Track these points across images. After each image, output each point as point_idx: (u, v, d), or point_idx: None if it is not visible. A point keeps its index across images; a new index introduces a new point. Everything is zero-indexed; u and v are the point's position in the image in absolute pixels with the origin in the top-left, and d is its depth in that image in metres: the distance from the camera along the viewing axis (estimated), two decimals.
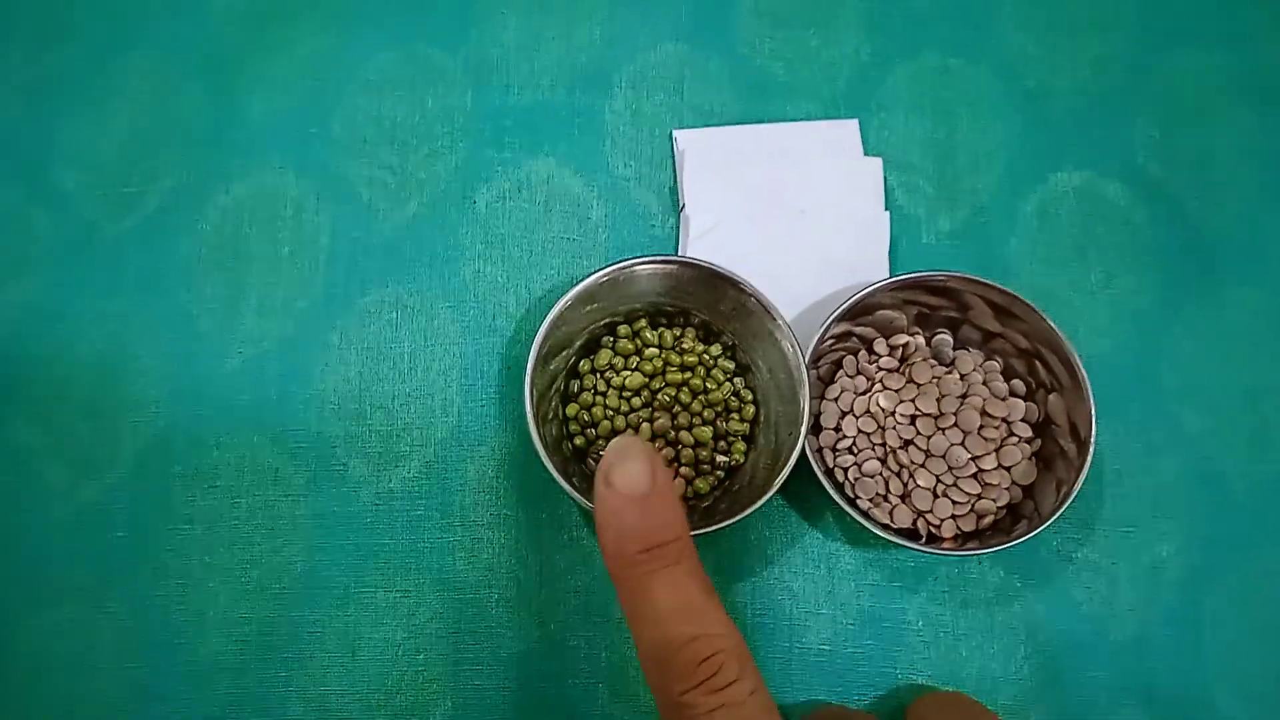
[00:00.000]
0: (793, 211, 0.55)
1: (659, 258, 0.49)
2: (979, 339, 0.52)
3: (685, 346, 0.51)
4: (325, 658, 0.48)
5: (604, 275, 0.48)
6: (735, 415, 0.51)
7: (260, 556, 0.50)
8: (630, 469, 0.36)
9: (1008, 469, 0.49)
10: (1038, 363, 0.50)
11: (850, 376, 0.52)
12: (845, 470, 0.50)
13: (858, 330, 0.52)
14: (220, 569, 0.49)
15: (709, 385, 0.51)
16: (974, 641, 0.50)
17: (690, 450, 0.50)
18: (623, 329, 0.51)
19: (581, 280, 0.48)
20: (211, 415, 0.51)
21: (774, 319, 0.48)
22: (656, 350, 0.51)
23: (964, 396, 0.50)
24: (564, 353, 0.50)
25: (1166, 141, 0.57)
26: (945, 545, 0.48)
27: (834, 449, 0.50)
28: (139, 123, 0.56)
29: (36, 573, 0.49)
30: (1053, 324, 0.49)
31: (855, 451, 0.50)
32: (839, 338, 0.51)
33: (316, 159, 0.55)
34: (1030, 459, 0.50)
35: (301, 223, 0.54)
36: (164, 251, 0.54)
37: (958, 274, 0.50)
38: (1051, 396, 0.50)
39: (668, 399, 0.50)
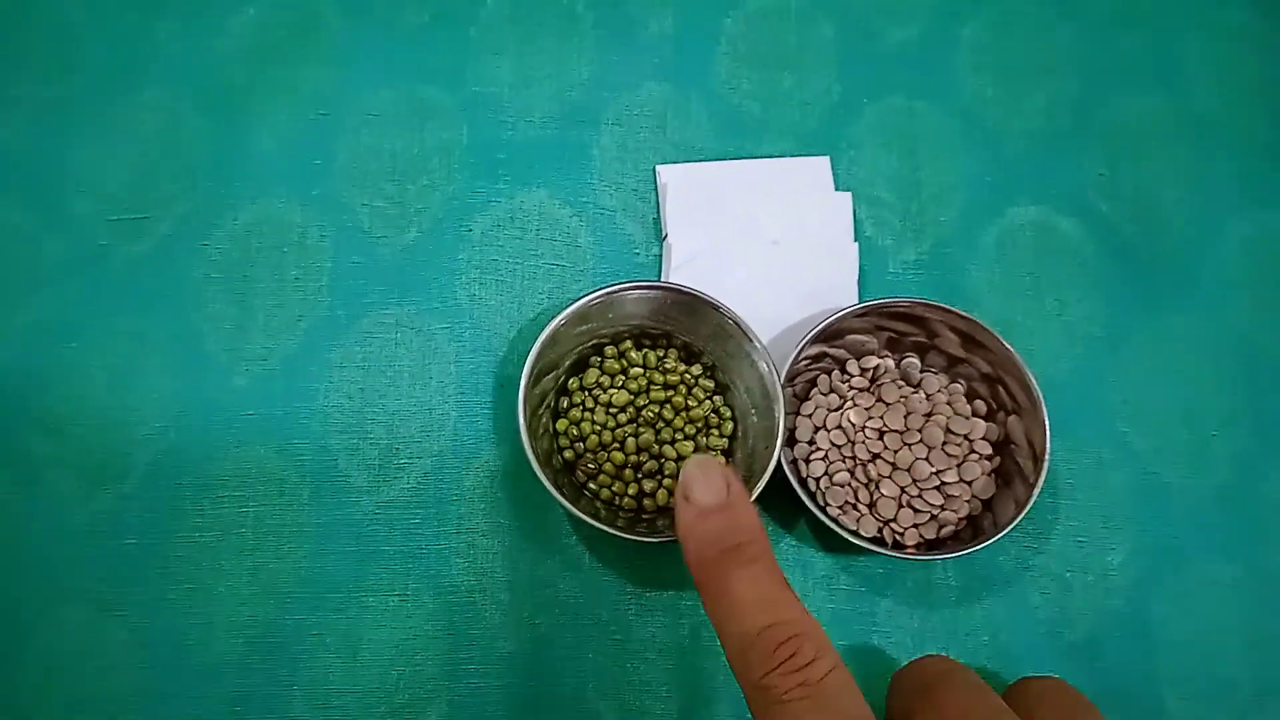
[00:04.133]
0: (768, 242, 0.59)
1: (646, 283, 0.52)
2: (945, 364, 0.56)
3: (668, 366, 0.54)
4: (327, 658, 0.51)
5: (595, 298, 0.52)
6: (715, 431, 0.54)
7: (265, 562, 0.52)
8: (709, 483, 0.39)
9: (968, 483, 0.53)
10: (1000, 387, 0.54)
11: (824, 394, 0.55)
12: (817, 480, 0.53)
13: (832, 352, 0.56)
14: (227, 574, 0.52)
15: (690, 403, 0.54)
16: (938, 643, 0.53)
17: (673, 464, 0.53)
18: (609, 349, 0.55)
19: (574, 302, 0.51)
20: (219, 429, 0.54)
21: (750, 340, 0.52)
22: (641, 370, 0.54)
23: (929, 415, 0.54)
24: (554, 372, 0.54)
25: (1112, 178, 0.62)
26: (909, 552, 0.51)
27: (807, 460, 0.54)
28: (149, 152, 0.59)
29: (50, 578, 0.51)
30: (1012, 350, 0.52)
31: (827, 463, 0.53)
32: (814, 359, 0.55)
33: (320, 188, 0.59)
34: (990, 475, 0.53)
35: (306, 248, 0.57)
36: (174, 274, 0.57)
37: (925, 301, 0.53)
38: (1011, 419, 0.53)
39: (651, 415, 0.53)
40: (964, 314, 0.53)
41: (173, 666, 0.50)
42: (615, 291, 0.52)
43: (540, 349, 0.51)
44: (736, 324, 0.52)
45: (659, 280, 0.57)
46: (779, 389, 0.50)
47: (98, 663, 0.50)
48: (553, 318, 0.51)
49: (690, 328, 0.54)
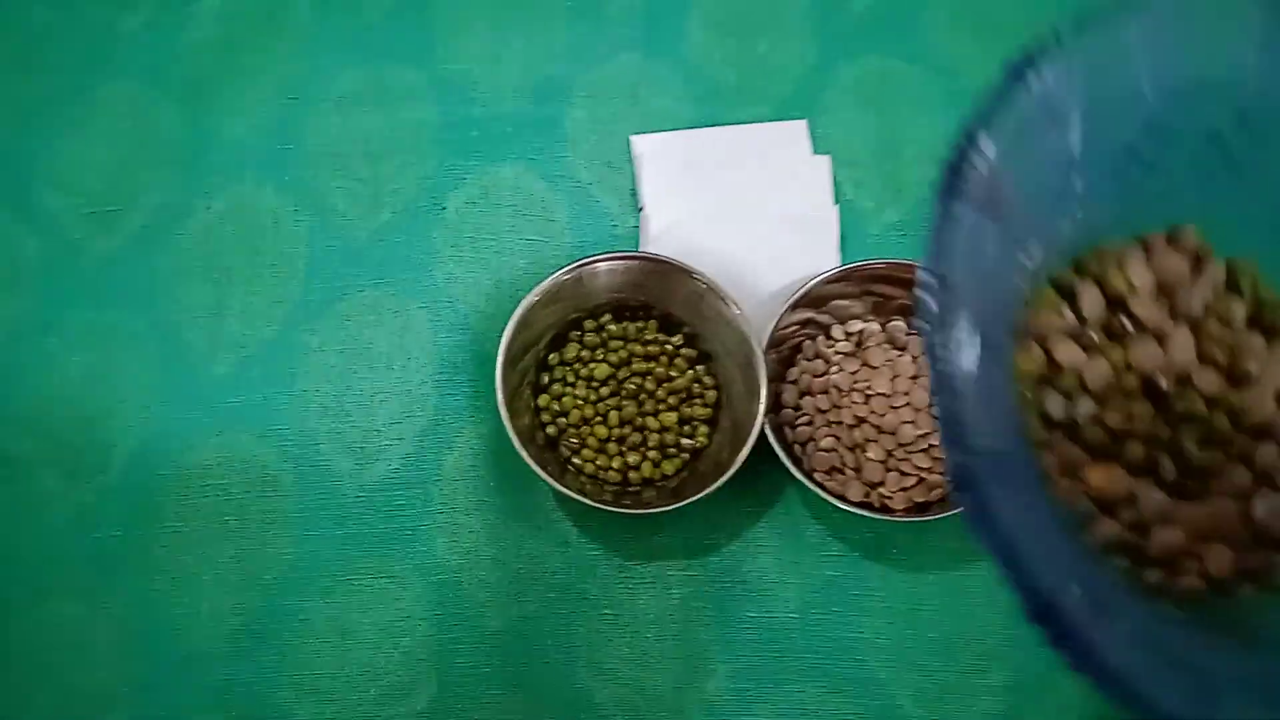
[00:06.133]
0: (747, 209, 0.58)
1: (616, 254, 0.52)
2: None
3: (648, 337, 0.54)
4: (315, 644, 0.50)
5: (566, 274, 0.51)
6: (698, 401, 0.53)
7: (249, 550, 0.52)
8: None
9: None
10: None
11: (809, 359, 0.55)
12: (803, 445, 0.53)
13: (816, 317, 0.55)
14: (212, 563, 0.52)
15: (672, 373, 0.53)
16: (934, 605, 0.52)
17: (657, 435, 0.52)
18: (588, 323, 0.54)
19: (544, 280, 0.51)
20: (199, 418, 0.54)
21: (727, 304, 0.51)
22: (621, 342, 0.54)
23: (915, 378, 0.53)
24: (534, 348, 0.53)
25: None
26: (897, 515, 0.51)
27: (793, 426, 0.53)
28: (120, 145, 0.59)
29: (35, 573, 0.51)
30: None
31: (813, 428, 0.53)
32: (800, 324, 0.54)
33: (292, 173, 0.58)
34: None
35: (280, 233, 0.57)
36: (149, 266, 0.56)
37: (908, 262, 0.53)
38: None
39: (634, 388, 0.53)
40: None
41: (159, 657, 0.50)
42: (588, 264, 0.52)
43: (514, 329, 0.50)
44: (712, 288, 0.51)
45: (637, 251, 0.57)
46: (760, 352, 0.50)
47: (85, 656, 0.50)
48: (527, 295, 0.51)
49: (667, 296, 0.53)
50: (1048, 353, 0.38)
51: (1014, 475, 0.33)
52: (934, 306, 0.31)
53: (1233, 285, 0.40)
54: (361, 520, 0.52)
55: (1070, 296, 0.39)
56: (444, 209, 0.58)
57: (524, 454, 0.48)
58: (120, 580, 0.51)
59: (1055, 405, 0.38)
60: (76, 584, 0.51)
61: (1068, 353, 0.38)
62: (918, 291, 0.32)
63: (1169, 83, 0.37)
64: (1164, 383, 0.37)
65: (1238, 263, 0.40)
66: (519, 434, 0.49)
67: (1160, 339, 0.38)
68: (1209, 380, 0.37)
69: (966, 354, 0.32)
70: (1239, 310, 0.39)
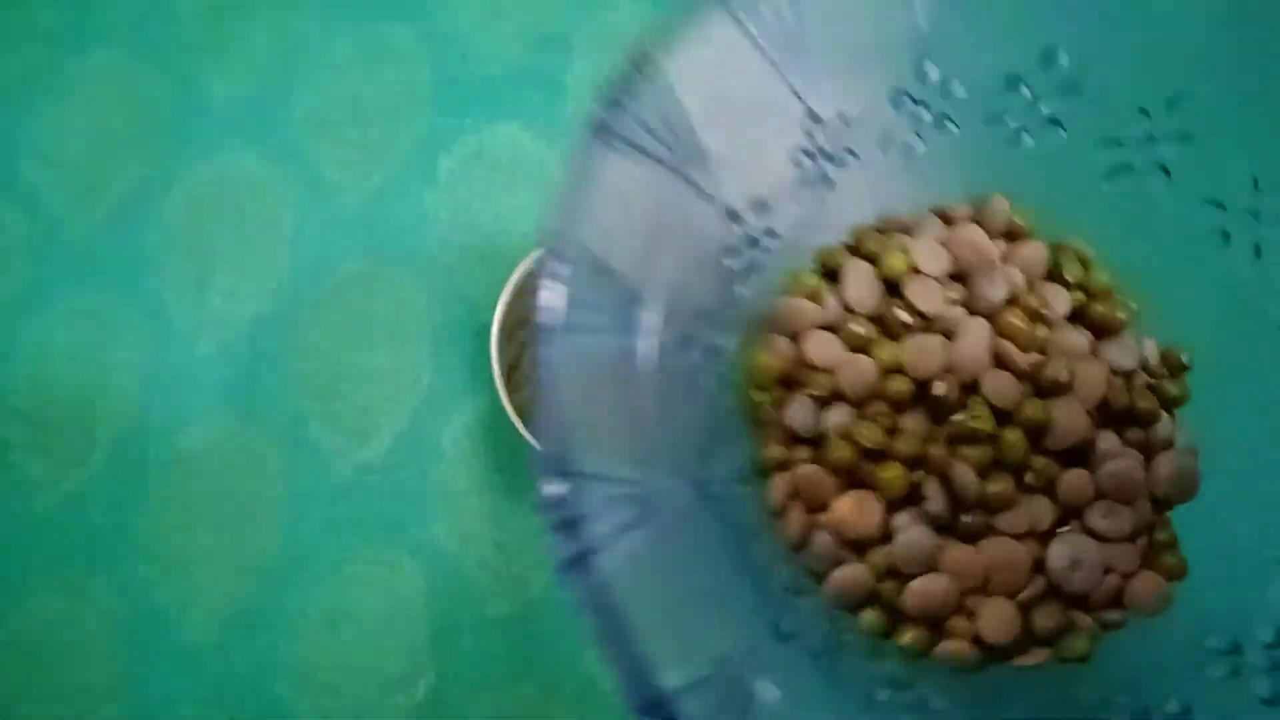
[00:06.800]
0: None
1: None
2: None
3: None
4: (310, 634, 0.48)
5: None
6: None
7: (240, 536, 0.49)
8: None
9: None
10: None
11: None
12: None
13: None
14: (201, 551, 0.49)
15: None
16: None
17: None
18: None
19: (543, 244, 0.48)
20: (185, 400, 0.51)
21: None
22: None
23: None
24: (533, 318, 0.50)
25: None
26: None
27: None
28: (102, 116, 0.56)
29: (20, 565, 0.49)
30: None
31: None
32: None
33: (279, 140, 0.55)
34: None
35: (267, 204, 0.54)
36: (132, 241, 0.54)
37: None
38: None
39: None
40: None
41: (150, 650, 0.48)
42: None
43: (510, 297, 0.47)
44: None
45: None
46: None
47: (73, 649, 0.48)
48: (522, 261, 0.48)
49: None
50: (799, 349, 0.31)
51: (659, 521, 0.25)
52: (551, 303, 0.25)
53: (1058, 274, 0.33)
54: (356, 503, 0.50)
55: (836, 280, 0.32)
56: (437, 172, 0.55)
57: (524, 430, 0.46)
58: (108, 571, 0.49)
59: (799, 415, 0.31)
60: (62, 575, 0.49)
61: (822, 348, 0.31)
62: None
63: None
64: (941, 389, 0.30)
65: (1064, 245, 0.33)
66: (518, 409, 0.46)
67: (947, 335, 0.31)
68: (1003, 388, 0.30)
69: (580, 362, 0.25)
70: (1061, 303, 0.32)
